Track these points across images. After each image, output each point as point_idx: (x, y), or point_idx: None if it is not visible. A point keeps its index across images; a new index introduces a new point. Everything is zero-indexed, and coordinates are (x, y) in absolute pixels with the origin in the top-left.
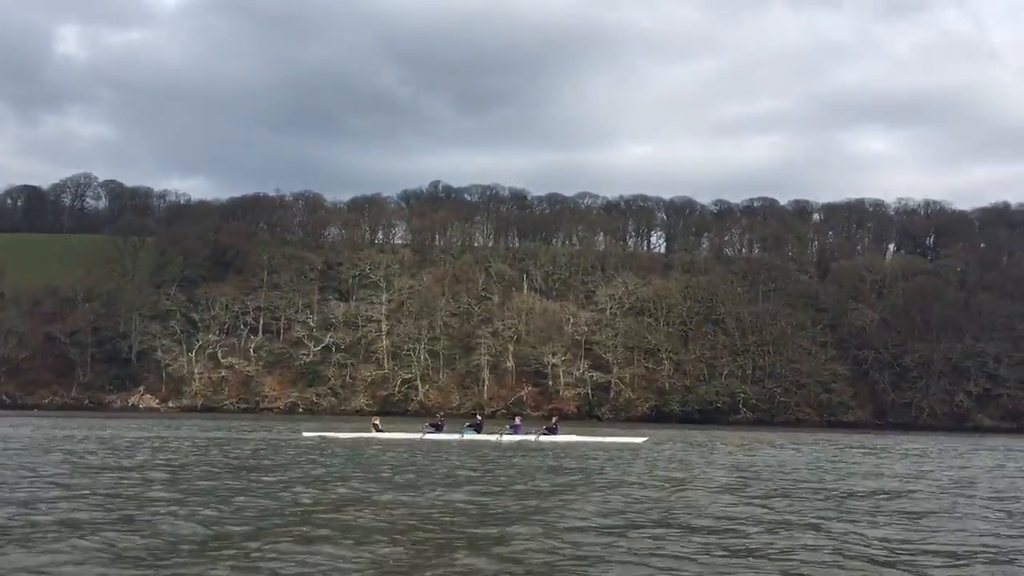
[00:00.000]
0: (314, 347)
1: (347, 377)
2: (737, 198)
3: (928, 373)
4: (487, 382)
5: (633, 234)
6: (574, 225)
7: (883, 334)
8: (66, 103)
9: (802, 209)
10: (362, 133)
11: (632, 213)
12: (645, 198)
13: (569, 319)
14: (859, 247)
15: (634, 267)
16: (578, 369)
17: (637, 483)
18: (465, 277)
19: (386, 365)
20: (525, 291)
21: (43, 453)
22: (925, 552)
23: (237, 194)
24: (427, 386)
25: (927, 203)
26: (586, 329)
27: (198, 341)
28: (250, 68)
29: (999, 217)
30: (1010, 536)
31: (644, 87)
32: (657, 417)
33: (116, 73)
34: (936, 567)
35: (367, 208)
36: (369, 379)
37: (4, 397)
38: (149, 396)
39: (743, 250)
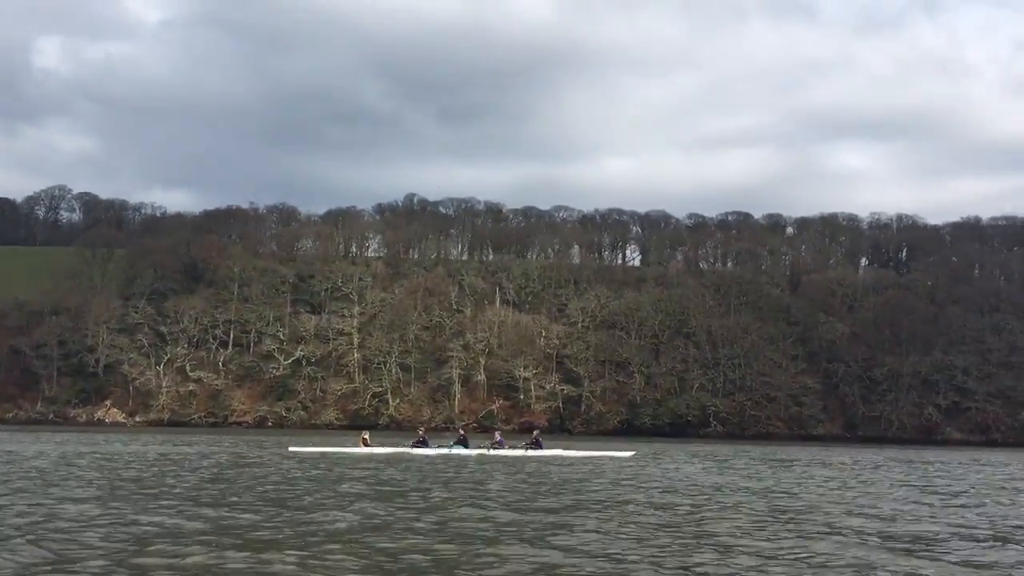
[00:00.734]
0: (284, 360)
1: (317, 391)
2: (717, 212)
3: (897, 386)
4: (458, 396)
5: (608, 248)
6: (549, 238)
7: (853, 347)
8: (47, 116)
9: (776, 223)
10: (345, 146)
11: (607, 227)
12: (620, 212)
13: (541, 332)
14: (832, 261)
15: (607, 280)
16: (549, 382)
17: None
18: (437, 290)
19: (357, 379)
20: (498, 304)
21: None
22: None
23: (220, 207)
24: (398, 400)
25: (899, 217)
26: (557, 342)
27: (166, 354)
28: (232, 81)
29: (970, 231)
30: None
31: (625, 102)
32: (628, 431)
33: (98, 86)
34: None
35: (341, 221)
36: (339, 393)
37: None
38: (116, 410)
39: (717, 263)
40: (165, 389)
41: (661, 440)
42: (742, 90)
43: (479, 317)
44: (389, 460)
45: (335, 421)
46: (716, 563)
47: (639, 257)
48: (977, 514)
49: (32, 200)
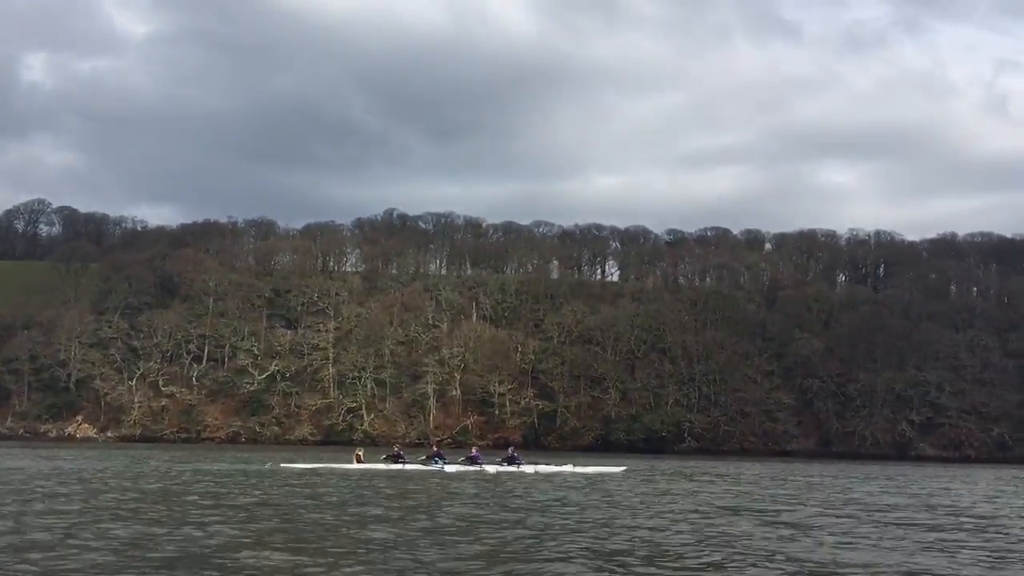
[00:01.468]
0: (259, 376)
1: (291, 406)
2: (699, 228)
3: (871, 402)
4: (433, 411)
5: (588, 263)
6: (528, 253)
7: (828, 363)
8: (33, 130)
9: (754, 239)
10: (332, 162)
11: (586, 242)
12: (600, 227)
13: (517, 348)
14: (809, 276)
15: (584, 296)
16: (524, 398)
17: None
18: (414, 305)
19: (331, 394)
20: (474, 319)
21: None
22: None
23: (196, 221)
24: (372, 415)
25: (877, 233)
26: (533, 357)
27: (139, 369)
28: (219, 97)
29: (947, 248)
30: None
31: (611, 119)
32: (603, 446)
33: (84, 101)
34: None
35: (319, 235)
36: (313, 408)
37: None
38: (87, 425)
39: (696, 280)
40: (137, 404)
41: (638, 456)
42: (727, 108)
43: (455, 332)
44: (413, 477)
45: (309, 437)
46: None
47: (618, 272)
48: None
49: (11, 214)
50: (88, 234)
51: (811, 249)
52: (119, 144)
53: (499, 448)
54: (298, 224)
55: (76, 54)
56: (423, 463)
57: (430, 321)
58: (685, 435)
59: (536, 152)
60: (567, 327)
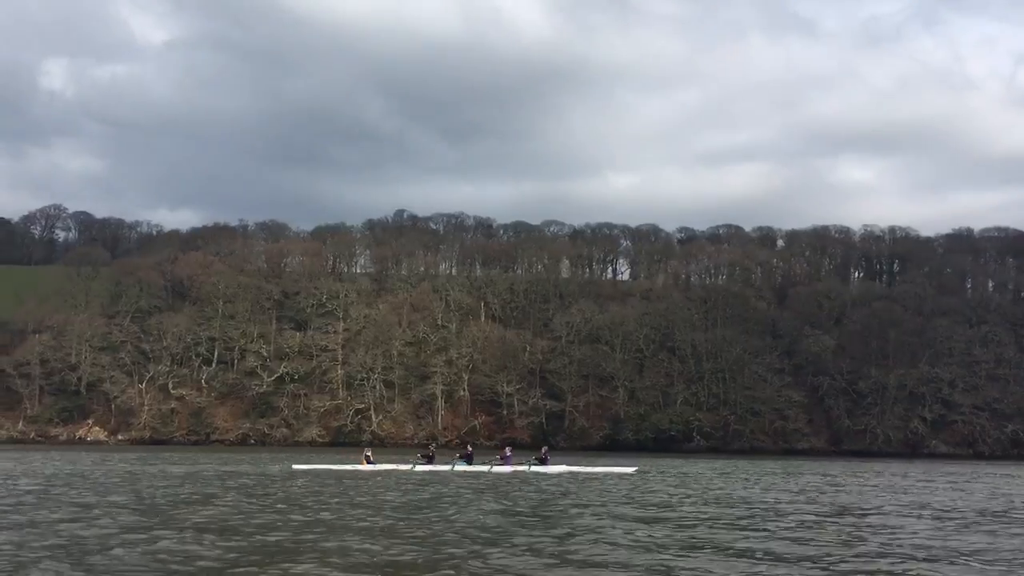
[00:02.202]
0: (268, 377)
1: (301, 408)
2: (711, 225)
3: (883, 399)
4: (442, 412)
5: (599, 262)
6: (538, 253)
7: (839, 360)
8: (54, 137)
9: (766, 236)
10: (349, 165)
11: (597, 241)
12: (611, 226)
13: (525, 348)
14: (824, 273)
15: (593, 295)
16: (532, 398)
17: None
18: (422, 306)
19: (340, 395)
20: (483, 319)
21: None
22: None
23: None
24: (380, 416)
25: (892, 229)
26: (541, 357)
27: (148, 372)
28: (236, 101)
29: (962, 243)
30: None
31: (626, 118)
32: (611, 445)
33: (103, 107)
34: None
35: (329, 237)
36: (322, 409)
37: None
38: (97, 429)
39: (708, 278)
40: (147, 407)
41: (651, 455)
42: (743, 105)
43: (463, 332)
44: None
45: (317, 438)
46: None
47: (628, 271)
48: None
49: (28, 219)
50: (104, 239)
51: (824, 246)
52: (138, 149)
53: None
54: (311, 226)
55: (95, 61)
56: (454, 463)
57: (438, 322)
58: (694, 434)
59: (552, 152)
60: (575, 326)
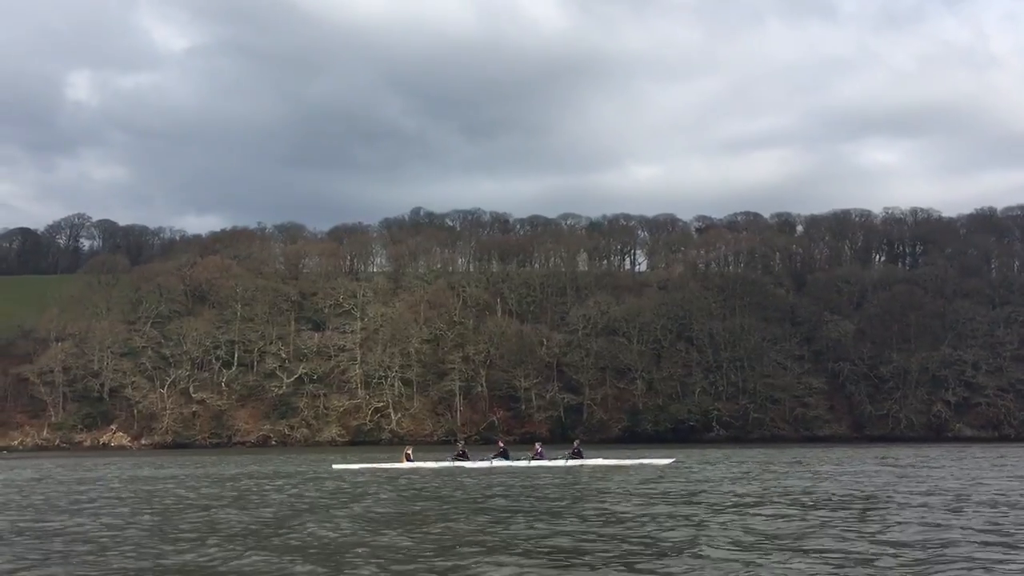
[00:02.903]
0: (287, 379)
1: (320, 408)
2: (729, 213)
3: (905, 383)
4: (460, 408)
5: (616, 253)
6: (554, 247)
7: (859, 345)
8: (80, 147)
9: (785, 222)
10: (371, 165)
11: (614, 233)
12: (628, 217)
13: (542, 341)
14: (846, 257)
15: (609, 287)
16: (549, 391)
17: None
18: (438, 303)
19: (359, 394)
20: (499, 314)
21: None
22: None
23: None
24: (399, 414)
25: (914, 211)
26: (558, 351)
27: (169, 377)
28: (259, 106)
29: (985, 223)
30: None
31: (647, 109)
32: (630, 437)
33: (128, 116)
34: None
35: (346, 237)
36: (341, 409)
37: None
38: (121, 434)
39: (726, 267)
40: (168, 411)
41: (671, 446)
42: (764, 92)
43: (480, 328)
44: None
45: (337, 438)
46: None
47: (646, 261)
48: None
49: (53, 229)
50: (128, 246)
51: (844, 230)
52: (164, 157)
53: (526, 443)
54: (330, 227)
55: (118, 71)
56: (489, 460)
57: (455, 318)
58: (713, 424)
59: (573, 145)
60: (592, 319)
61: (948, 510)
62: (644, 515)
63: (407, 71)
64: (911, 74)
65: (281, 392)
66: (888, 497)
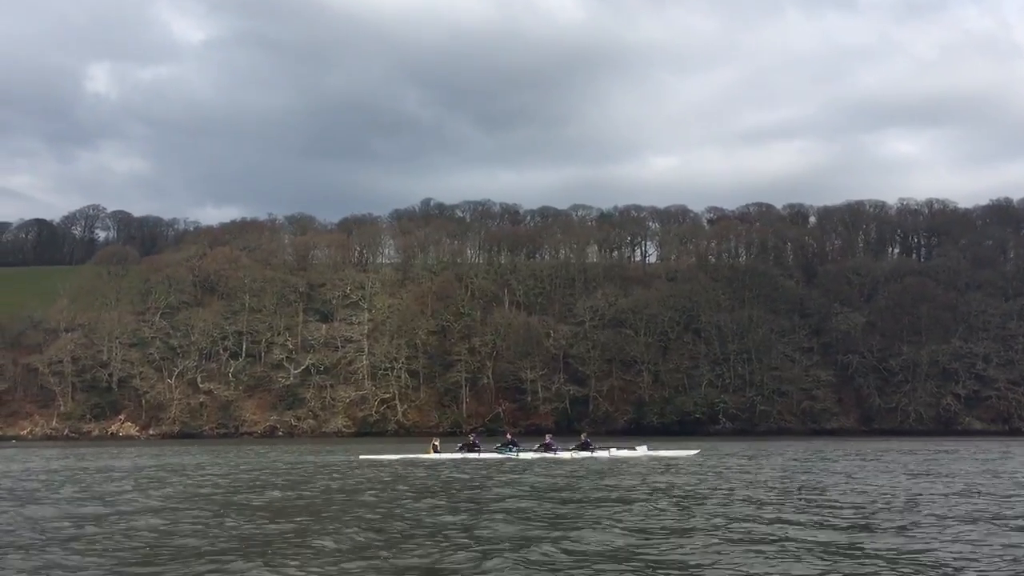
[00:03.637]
0: (294, 370)
1: (327, 399)
2: (740, 205)
3: (914, 376)
4: (466, 400)
5: (628, 245)
6: (565, 238)
7: (869, 338)
8: (99, 139)
9: (797, 213)
10: (388, 156)
11: (625, 224)
12: (639, 208)
13: (549, 333)
14: (860, 248)
15: (617, 278)
16: (555, 383)
17: None
18: (446, 294)
19: (365, 385)
20: (507, 306)
21: None
22: None
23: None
24: (405, 405)
25: (930, 202)
26: (564, 343)
27: (177, 367)
28: (276, 98)
29: (1001, 214)
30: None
31: (665, 99)
32: (636, 430)
33: (147, 108)
34: None
35: (355, 228)
36: (348, 400)
37: None
38: (129, 424)
39: (741, 257)
40: (176, 401)
41: (678, 438)
42: (783, 82)
43: (487, 320)
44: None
45: (343, 429)
46: None
47: (656, 253)
48: None
49: (68, 220)
50: (142, 237)
51: (857, 222)
52: (183, 149)
53: (532, 435)
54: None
55: (137, 63)
56: (499, 451)
57: (462, 309)
58: (720, 416)
59: (591, 136)
60: (599, 311)
61: None
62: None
63: (423, 62)
64: (933, 63)
65: (288, 383)
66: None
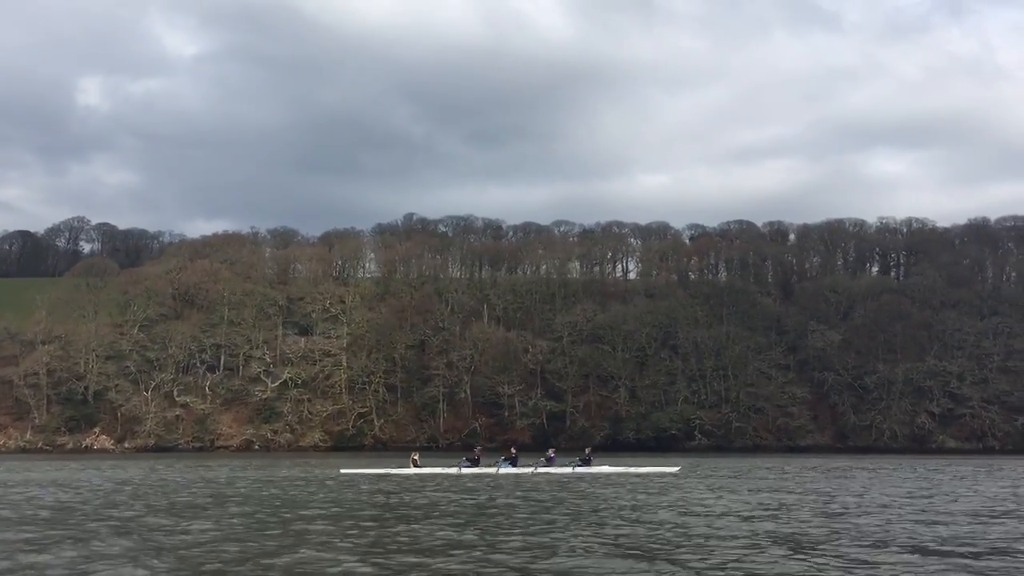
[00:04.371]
0: (271, 383)
1: (304, 413)
2: (721, 222)
3: (889, 394)
4: (444, 414)
5: (609, 261)
6: (546, 254)
7: (844, 355)
8: (91, 152)
9: (776, 231)
10: (379, 171)
11: (606, 240)
12: (621, 224)
13: (527, 348)
14: (839, 265)
15: (596, 294)
16: (532, 399)
17: None
18: (425, 308)
19: (343, 399)
20: (485, 321)
21: None
22: None
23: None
24: (382, 420)
25: (909, 221)
26: (541, 358)
27: (153, 380)
28: (267, 112)
29: (978, 233)
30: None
31: (655, 117)
32: (612, 445)
33: (138, 121)
34: None
35: (337, 242)
36: (324, 414)
37: None
38: (104, 437)
39: (721, 275)
40: (152, 415)
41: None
42: (771, 101)
43: (465, 334)
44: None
45: (320, 443)
46: None
47: (638, 269)
48: None
49: (53, 232)
50: (127, 249)
51: (836, 240)
52: (174, 162)
53: (506, 449)
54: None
55: (129, 76)
56: (499, 466)
57: (441, 324)
58: (695, 433)
59: (581, 154)
60: (577, 326)
61: None
62: None
63: (415, 79)
64: (918, 85)
65: (265, 396)
66: None
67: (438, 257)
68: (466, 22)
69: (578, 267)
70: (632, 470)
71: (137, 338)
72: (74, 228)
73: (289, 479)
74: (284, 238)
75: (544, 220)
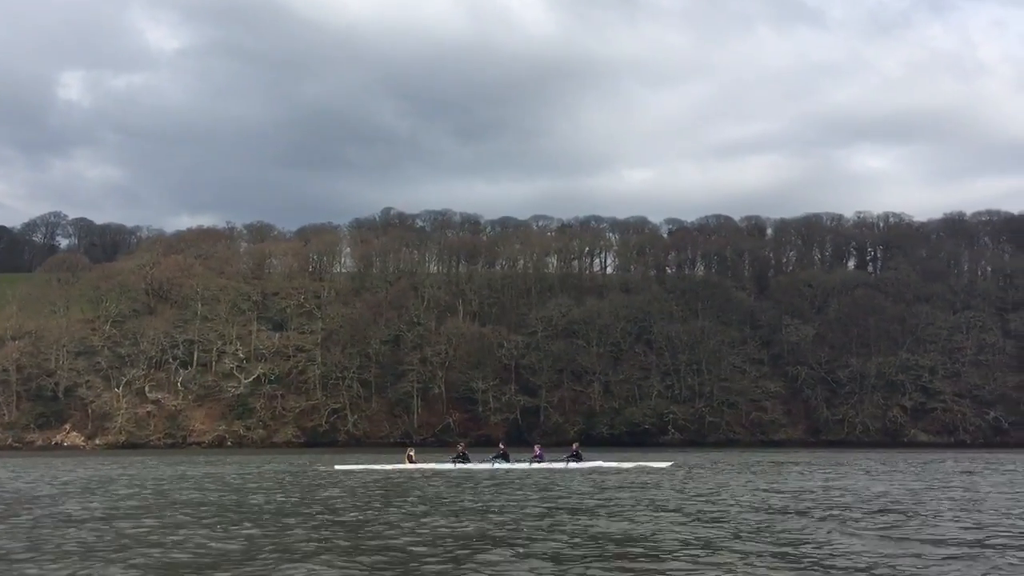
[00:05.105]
0: (244, 379)
1: (277, 408)
2: (699, 216)
3: (862, 388)
4: (418, 410)
5: (587, 256)
6: (522, 249)
7: (818, 349)
8: (72, 147)
9: (754, 226)
10: (364, 166)
11: (584, 235)
12: (599, 219)
13: (502, 343)
14: (815, 261)
15: (572, 289)
16: (506, 394)
17: None
18: (400, 303)
19: (317, 395)
20: (461, 316)
21: None
22: None
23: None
24: (356, 416)
25: (886, 215)
26: (516, 353)
27: (125, 376)
28: (251, 107)
29: (953, 227)
30: None
31: (638, 113)
32: (585, 440)
33: (120, 117)
34: None
35: (312, 237)
36: (298, 410)
37: None
38: (75, 434)
39: (698, 269)
40: (123, 411)
41: (629, 449)
42: (755, 97)
43: (440, 329)
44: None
45: (293, 439)
46: None
47: (615, 263)
48: None
49: (29, 227)
50: (104, 244)
51: (813, 234)
52: (157, 157)
53: (484, 445)
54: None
55: (111, 71)
56: (492, 462)
57: (416, 319)
58: (669, 427)
59: (565, 149)
60: (552, 321)
61: None
62: None
63: (399, 74)
64: (900, 80)
65: (238, 392)
66: None
67: (415, 252)
68: (451, 18)
69: (555, 262)
70: (626, 465)
71: (109, 334)
72: (51, 223)
73: (291, 476)
74: (260, 233)
75: (527, 215)
